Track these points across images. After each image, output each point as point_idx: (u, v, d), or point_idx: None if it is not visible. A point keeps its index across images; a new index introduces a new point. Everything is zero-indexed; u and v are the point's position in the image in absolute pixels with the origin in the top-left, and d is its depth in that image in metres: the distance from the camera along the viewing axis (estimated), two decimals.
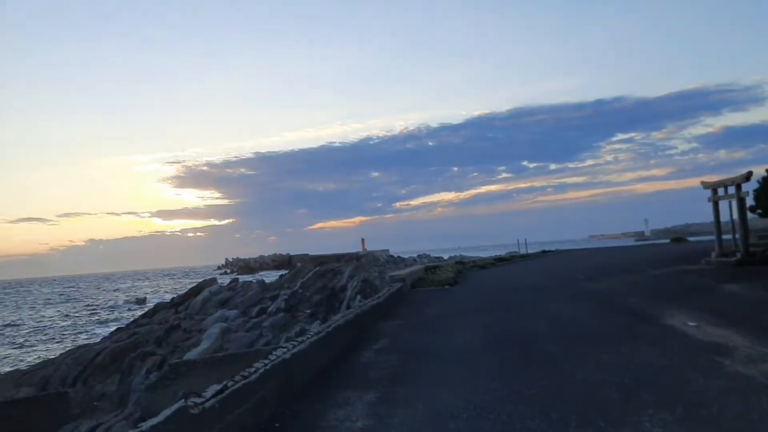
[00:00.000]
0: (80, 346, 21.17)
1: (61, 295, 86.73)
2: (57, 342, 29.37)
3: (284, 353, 6.44)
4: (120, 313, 46.86)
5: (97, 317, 43.90)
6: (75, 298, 77.56)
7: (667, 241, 43.38)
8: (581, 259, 28.70)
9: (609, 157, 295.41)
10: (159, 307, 33.14)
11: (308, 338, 7.39)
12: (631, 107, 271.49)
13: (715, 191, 18.84)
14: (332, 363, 7.56)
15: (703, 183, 19.30)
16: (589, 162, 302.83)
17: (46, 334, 32.41)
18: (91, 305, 60.84)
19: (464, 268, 24.68)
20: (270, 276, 72.92)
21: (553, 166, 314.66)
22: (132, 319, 32.35)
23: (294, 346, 6.73)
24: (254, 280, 38.51)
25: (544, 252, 38.92)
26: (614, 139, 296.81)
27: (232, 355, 14.59)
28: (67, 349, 22.43)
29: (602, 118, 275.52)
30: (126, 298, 66.02)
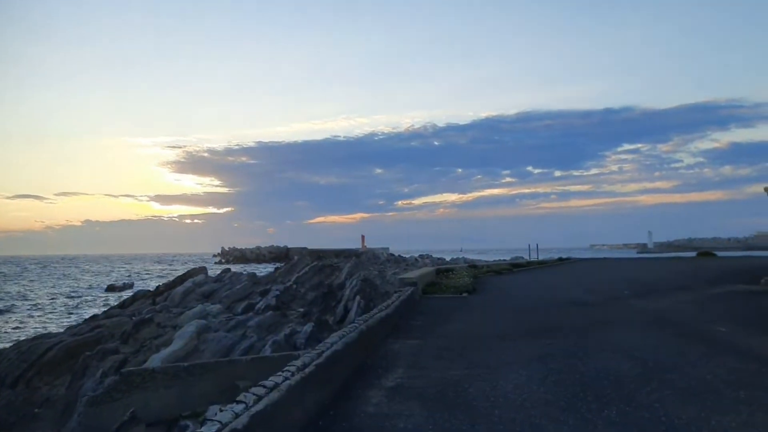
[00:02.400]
0: (34, 337, 18.39)
1: (49, 275, 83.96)
2: (18, 329, 26.49)
3: (242, 411, 3.68)
4: (99, 299, 44.12)
5: (72, 302, 41.14)
6: (60, 279, 74.86)
7: (694, 254, 40.68)
8: (609, 271, 25.88)
9: (614, 167, 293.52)
10: (139, 296, 30.34)
11: (286, 379, 4.63)
12: (639, 117, 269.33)
13: None
14: (319, 416, 4.82)
15: (767, 189, 16.53)
16: (594, 171, 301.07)
17: (7, 321, 29.41)
18: (74, 288, 58.18)
19: (479, 273, 21.89)
20: (266, 268, 70.28)
21: (557, 173, 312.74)
22: (110, 308, 29.59)
23: (256, 400, 3.96)
24: (245, 272, 35.73)
25: (561, 260, 36.12)
26: (620, 149, 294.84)
27: (201, 366, 11.83)
28: (21, 339, 19.64)
29: (610, 127, 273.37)
30: (113, 283, 63.49)
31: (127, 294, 39.17)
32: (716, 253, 39.70)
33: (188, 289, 26.89)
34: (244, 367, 12.20)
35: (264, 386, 4.30)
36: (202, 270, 42.14)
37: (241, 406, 3.75)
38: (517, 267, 26.97)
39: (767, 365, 6.33)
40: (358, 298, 25.42)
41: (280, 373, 4.90)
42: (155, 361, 14.64)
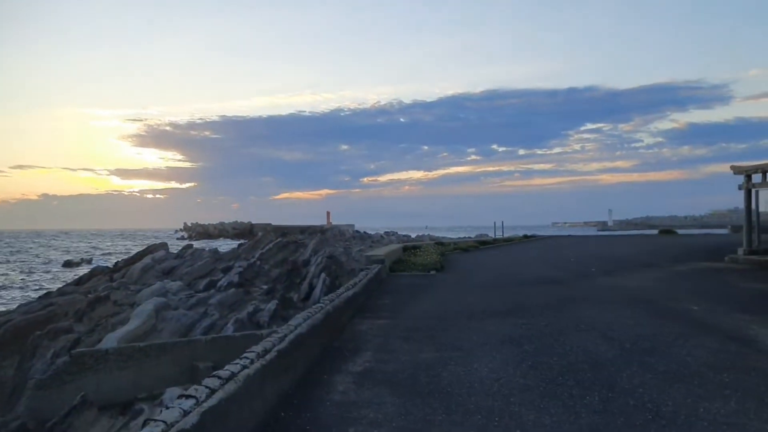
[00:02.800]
0: None
1: (1, 250, 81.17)
2: None
3: (192, 408, 3.23)
4: (56, 275, 42.72)
5: (27, 279, 39.73)
6: (14, 254, 72.44)
7: (655, 232, 41.33)
8: (575, 247, 25.97)
9: (577, 146, 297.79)
10: (96, 272, 29.29)
11: (244, 368, 4.20)
12: (602, 97, 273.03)
13: (749, 177, 16.12)
14: (281, 406, 4.41)
15: (733, 168, 16.57)
16: (557, 150, 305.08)
17: None
18: (30, 264, 56.33)
19: (446, 250, 21.66)
20: (229, 244, 69.24)
21: (521, 152, 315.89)
22: (65, 285, 28.52)
23: (209, 394, 3.51)
24: (207, 248, 34.90)
25: (526, 237, 36.20)
26: (583, 128, 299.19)
27: (158, 346, 11.35)
28: None
29: (573, 106, 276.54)
30: (70, 258, 61.69)
31: (84, 270, 37.92)
32: (677, 230, 40.44)
33: (147, 265, 26.02)
34: (204, 348, 11.71)
35: (219, 377, 3.85)
36: (163, 246, 41.01)
37: (190, 402, 3.30)
38: (483, 244, 26.87)
39: (747, 346, 6.16)
40: (323, 275, 24.99)
41: (237, 360, 4.46)
42: (110, 340, 14.01)
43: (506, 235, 48.29)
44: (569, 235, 42.40)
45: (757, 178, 15.87)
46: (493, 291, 11.17)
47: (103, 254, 72.29)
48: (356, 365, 5.65)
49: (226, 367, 4.19)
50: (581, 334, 6.91)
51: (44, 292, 28.67)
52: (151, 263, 26.57)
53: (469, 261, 19.22)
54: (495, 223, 52.56)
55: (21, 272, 46.53)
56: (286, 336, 5.32)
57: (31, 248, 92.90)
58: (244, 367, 4.20)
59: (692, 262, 16.63)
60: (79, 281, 28.59)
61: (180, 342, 11.48)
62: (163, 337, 16.61)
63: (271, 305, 20.69)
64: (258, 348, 4.82)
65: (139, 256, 36.55)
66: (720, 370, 5.16)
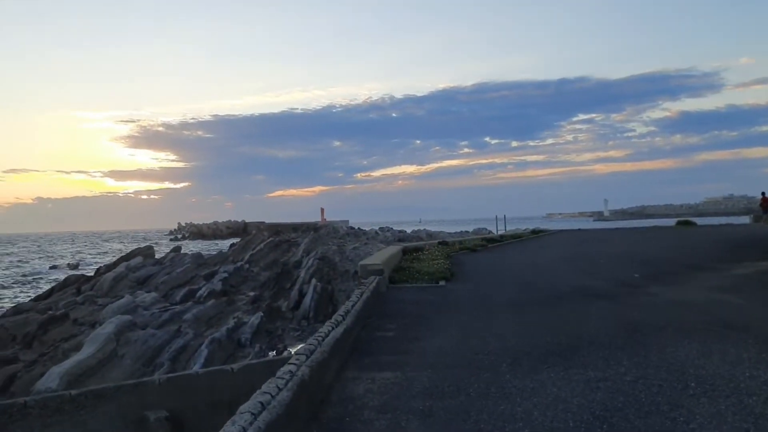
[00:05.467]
0: None
1: None
2: None
3: None
4: (33, 284, 40.16)
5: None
6: None
7: (667, 223, 38.81)
8: (595, 244, 23.34)
9: (569, 137, 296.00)
10: (69, 282, 26.74)
11: None
12: (593, 88, 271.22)
13: None
14: None
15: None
16: (550, 141, 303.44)
17: None
18: (12, 270, 53.82)
19: (451, 251, 19.15)
20: (221, 244, 66.68)
21: (514, 143, 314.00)
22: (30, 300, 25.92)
23: None
24: (194, 250, 32.30)
25: (535, 232, 33.68)
26: (575, 119, 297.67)
27: (94, 393, 8.80)
28: None
29: (565, 97, 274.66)
30: (56, 264, 59.22)
31: (63, 277, 35.19)
32: (695, 221, 38.01)
33: (120, 274, 23.44)
34: (156, 391, 9.16)
35: None
36: (148, 250, 38.47)
37: None
38: (491, 242, 24.36)
39: None
40: (314, 281, 22.41)
41: None
42: (52, 376, 11.46)
43: (508, 228, 45.83)
44: (581, 229, 39.86)
45: None
46: (528, 312, 8.64)
47: (94, 257, 69.74)
48: None
49: None
50: (701, 401, 4.42)
51: (11, 305, 26.20)
52: (125, 272, 23.96)
53: (480, 264, 16.68)
54: (497, 216, 50.19)
55: None
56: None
57: (19, 252, 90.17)
58: None
59: (747, 261, 14.15)
60: (51, 293, 26.04)
61: (125, 386, 8.93)
62: (124, 364, 14.02)
63: (255, 319, 18.10)
64: None
65: (121, 260, 34.06)
66: None
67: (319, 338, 5.40)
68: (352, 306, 7.42)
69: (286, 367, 4.38)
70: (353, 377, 5.49)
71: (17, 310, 18.77)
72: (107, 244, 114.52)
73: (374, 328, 7.78)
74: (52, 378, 11.23)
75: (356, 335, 7.08)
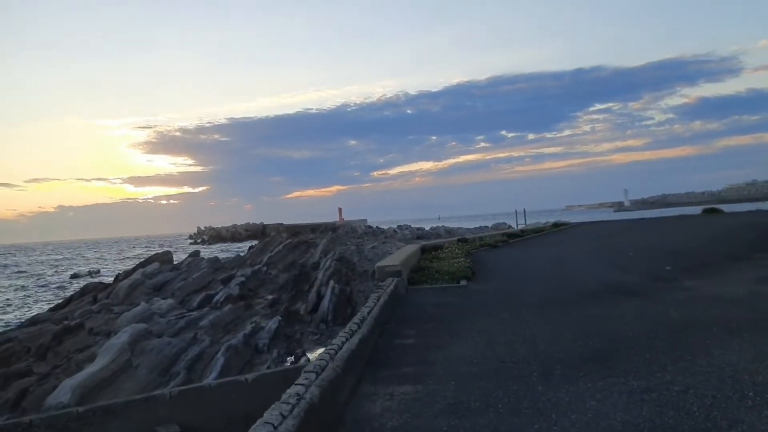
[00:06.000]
0: None
1: (4, 265, 79.55)
2: None
3: None
4: (55, 292, 40.29)
5: (19, 299, 37.33)
6: (23, 268, 70.51)
7: (692, 211, 37.73)
8: (620, 236, 22.57)
9: (586, 127, 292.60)
10: (87, 290, 26.64)
11: None
12: (610, 77, 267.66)
13: None
14: None
15: None
16: (567, 132, 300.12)
17: None
18: (37, 279, 54.20)
19: (472, 248, 18.59)
20: (241, 247, 66.66)
21: (531, 136, 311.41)
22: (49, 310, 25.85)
23: None
24: (204, 257, 32.05)
25: (556, 225, 32.91)
26: (592, 109, 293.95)
27: (103, 409, 8.43)
28: None
29: (580, 87, 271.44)
30: (76, 272, 59.57)
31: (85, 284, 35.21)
32: (721, 208, 36.87)
33: (136, 281, 23.20)
34: (167, 405, 8.76)
35: None
36: (166, 255, 38.31)
37: None
38: (512, 237, 23.72)
39: None
40: (332, 283, 21.97)
41: None
42: (64, 390, 11.14)
43: (528, 222, 45.02)
44: (604, 221, 38.96)
45: None
46: (557, 313, 8.08)
47: (113, 263, 70.15)
48: None
49: None
50: (764, 414, 3.87)
51: (34, 314, 26.14)
52: (141, 279, 23.71)
53: (502, 261, 16.11)
54: (516, 210, 49.36)
55: (20, 289, 44.36)
56: None
57: (43, 260, 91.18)
58: None
59: None
60: (69, 302, 25.94)
61: (134, 401, 8.54)
62: (139, 374, 13.70)
63: (273, 323, 17.71)
64: None
65: (139, 266, 33.97)
66: None
67: (332, 352, 4.92)
68: (368, 312, 6.94)
69: (293, 389, 3.91)
70: (370, 393, 5.01)
71: (33, 321, 18.57)
72: (130, 250, 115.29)
73: (393, 334, 7.29)
74: (63, 392, 10.91)
75: (373, 344, 6.61)
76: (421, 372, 5.57)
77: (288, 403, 3.61)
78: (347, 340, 5.45)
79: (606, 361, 5.49)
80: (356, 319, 6.58)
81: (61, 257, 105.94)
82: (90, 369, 12.33)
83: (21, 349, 14.54)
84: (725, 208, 42.35)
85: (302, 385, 4.00)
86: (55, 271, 65.10)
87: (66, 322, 16.50)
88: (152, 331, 15.78)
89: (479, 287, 11.10)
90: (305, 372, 4.34)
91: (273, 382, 8.82)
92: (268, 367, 14.93)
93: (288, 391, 3.91)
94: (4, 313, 30.72)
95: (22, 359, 14.07)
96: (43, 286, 46.83)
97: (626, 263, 13.40)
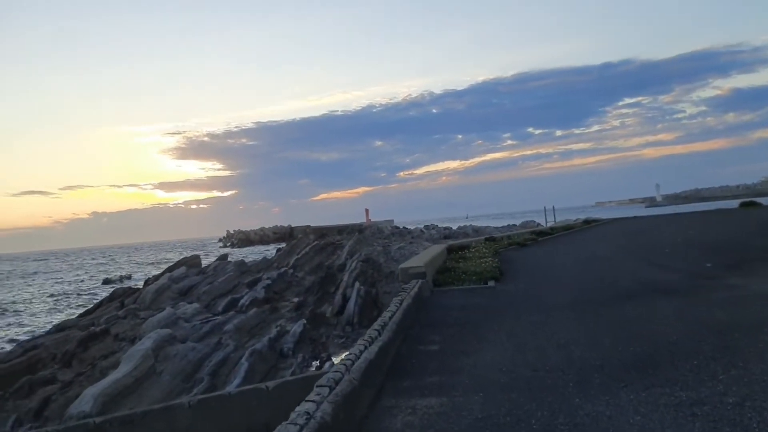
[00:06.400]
0: None
1: (35, 272, 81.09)
2: None
3: None
4: (89, 296, 40.76)
5: (51, 303, 37.85)
6: (57, 273, 71.81)
7: (735, 206, 36.46)
8: (654, 232, 21.79)
9: (615, 122, 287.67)
10: (116, 295, 26.76)
11: None
12: (638, 70, 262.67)
13: None
14: None
15: None
16: (596, 127, 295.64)
17: None
18: (69, 285, 55.06)
19: (499, 247, 18.08)
20: (268, 250, 66.89)
21: (558, 132, 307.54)
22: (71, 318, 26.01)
23: None
24: (232, 260, 32.00)
25: (587, 222, 32.11)
26: (621, 103, 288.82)
27: (121, 420, 8.20)
28: None
29: (608, 81, 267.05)
30: (109, 276, 60.35)
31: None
32: (760, 202, 35.56)
33: (162, 286, 23.18)
34: (187, 415, 8.49)
35: None
36: (194, 259, 38.51)
37: None
38: (541, 235, 23.10)
39: None
40: (357, 284, 21.64)
41: None
42: (86, 398, 10.97)
43: (557, 219, 44.10)
44: (636, 217, 37.93)
45: None
46: (591, 315, 7.59)
47: (143, 269, 70.97)
48: None
49: None
50: None
51: (66, 318, 26.38)
52: (167, 283, 23.68)
53: (531, 260, 15.58)
54: (545, 207, 48.42)
55: (53, 295, 45.04)
56: None
57: (79, 265, 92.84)
58: None
59: None
60: (98, 307, 26.09)
61: (152, 411, 8.30)
62: (163, 381, 13.50)
63: (298, 327, 17.41)
64: None
65: (168, 270, 34.14)
66: None
67: (348, 362, 4.55)
68: (390, 317, 6.56)
69: (303, 407, 3.55)
70: (390, 406, 4.63)
71: (60, 327, 18.61)
72: (163, 254, 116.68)
73: (416, 340, 6.90)
74: (86, 400, 10.74)
75: (395, 351, 6.23)
76: (445, 382, 5.17)
77: (296, 424, 3.24)
78: (366, 348, 5.08)
79: (649, 369, 5.02)
80: (377, 324, 6.20)
81: (95, 262, 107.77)
82: (113, 376, 12.18)
83: (47, 356, 14.50)
84: (763, 201, 40.92)
85: (313, 401, 3.64)
86: (89, 277, 66.06)
87: (93, 328, 16.44)
88: (176, 336, 15.63)
89: (508, 288, 10.63)
90: (317, 387, 3.98)
91: (295, 389, 8.49)
92: (293, 372, 14.64)
93: (297, 408, 3.55)
94: (36, 319, 31.10)
95: (48, 366, 14.01)
96: (74, 292, 47.52)
97: (663, 260, 12.78)
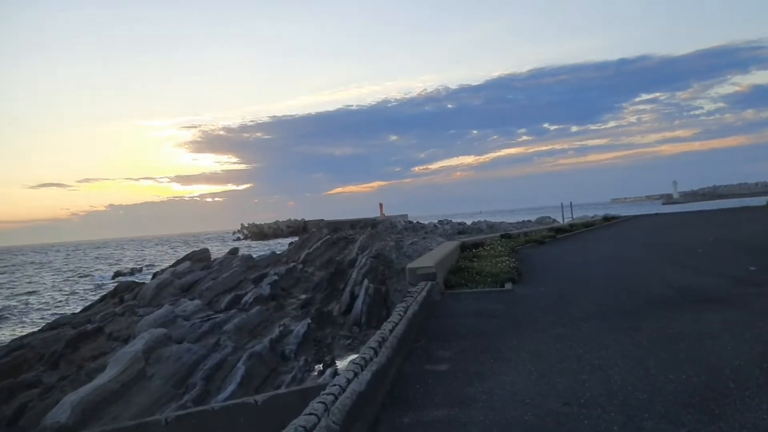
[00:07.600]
0: None
1: (43, 263, 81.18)
2: None
3: None
4: (96, 290, 40.25)
5: (59, 297, 37.37)
6: (70, 265, 71.74)
7: (762, 203, 34.99)
8: (680, 230, 20.63)
9: (632, 118, 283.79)
10: (119, 290, 25.99)
11: None
12: (656, 66, 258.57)
13: None
14: None
15: None
16: (612, 123, 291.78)
17: None
18: (80, 278, 54.77)
19: (516, 244, 16.99)
20: (282, 243, 66.18)
21: (574, 128, 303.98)
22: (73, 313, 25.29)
23: None
24: (238, 256, 31.13)
25: (607, 219, 30.82)
26: (638, 99, 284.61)
27: None
28: None
29: (625, 77, 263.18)
30: (119, 269, 59.98)
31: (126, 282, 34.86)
32: None
33: (163, 281, 22.29)
34: None
35: None
36: (203, 253, 37.74)
37: None
38: (560, 232, 21.95)
39: None
40: (366, 282, 20.63)
41: None
42: (63, 407, 10.08)
43: (574, 216, 42.68)
44: (658, 213, 36.55)
45: None
46: (626, 327, 6.50)
47: (156, 262, 70.62)
48: None
49: None
50: None
51: (72, 311, 25.76)
52: (169, 278, 22.77)
53: (552, 260, 14.47)
54: (562, 203, 47.02)
55: (62, 288, 44.67)
56: None
57: (93, 258, 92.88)
58: None
59: None
60: (100, 301, 25.38)
61: (125, 428, 7.39)
62: (153, 385, 12.57)
63: (302, 327, 16.40)
64: None
65: (177, 263, 33.43)
66: None
67: (329, 398, 3.53)
68: (391, 330, 5.54)
69: None
70: None
71: (53, 325, 17.80)
72: (178, 247, 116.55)
73: (422, 357, 5.88)
74: (63, 409, 9.85)
75: (397, 370, 5.22)
76: (455, 418, 4.15)
77: None
78: (355, 376, 4.06)
79: (711, 405, 3.96)
80: (374, 339, 5.19)
81: (109, 254, 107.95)
82: (96, 382, 11.28)
83: (33, 357, 13.69)
84: None
85: None
86: (99, 270, 65.83)
87: (86, 326, 15.61)
88: (172, 337, 14.73)
89: (527, 292, 9.56)
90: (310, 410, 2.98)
91: (287, 403, 7.53)
92: (294, 377, 13.72)
93: None
94: (42, 314, 30.52)
95: (33, 368, 13.19)
96: (84, 285, 47.13)
97: (696, 262, 11.63)
